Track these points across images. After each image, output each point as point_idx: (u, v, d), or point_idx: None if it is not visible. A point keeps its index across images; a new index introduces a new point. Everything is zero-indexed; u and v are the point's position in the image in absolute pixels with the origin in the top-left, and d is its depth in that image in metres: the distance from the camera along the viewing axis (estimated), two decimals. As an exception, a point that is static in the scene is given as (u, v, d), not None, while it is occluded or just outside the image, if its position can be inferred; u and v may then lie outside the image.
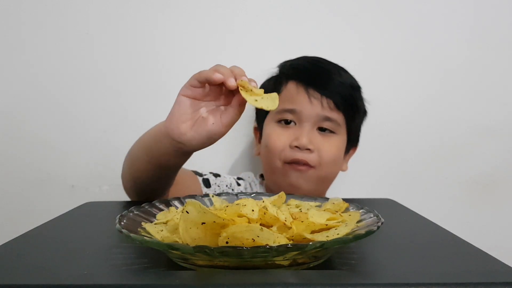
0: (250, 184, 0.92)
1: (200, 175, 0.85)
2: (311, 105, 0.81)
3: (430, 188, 1.02)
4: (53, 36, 0.97)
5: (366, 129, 0.94)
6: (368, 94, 0.91)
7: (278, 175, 0.83)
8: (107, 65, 0.98)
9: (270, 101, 0.53)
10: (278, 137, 0.83)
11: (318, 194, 0.84)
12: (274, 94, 0.54)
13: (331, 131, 0.83)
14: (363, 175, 1.01)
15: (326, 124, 0.82)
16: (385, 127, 1.00)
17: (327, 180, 0.86)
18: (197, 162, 0.99)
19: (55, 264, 0.42)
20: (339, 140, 0.84)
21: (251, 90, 0.53)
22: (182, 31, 0.98)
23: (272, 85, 0.89)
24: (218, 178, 0.87)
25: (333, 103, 0.82)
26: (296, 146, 0.80)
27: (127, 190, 0.74)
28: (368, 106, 0.91)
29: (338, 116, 0.83)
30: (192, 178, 0.83)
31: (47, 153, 0.99)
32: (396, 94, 1.01)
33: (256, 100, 0.53)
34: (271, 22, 0.99)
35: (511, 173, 1.02)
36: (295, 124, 0.83)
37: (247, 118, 0.97)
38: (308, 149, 0.80)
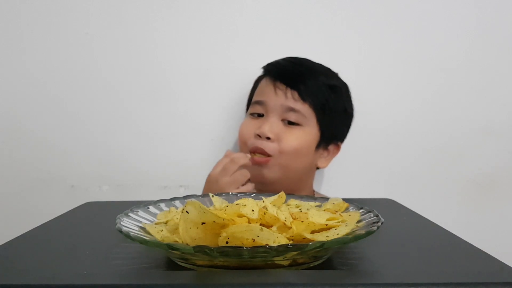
0: None
1: None
2: (276, 96, 0.85)
3: (430, 188, 1.02)
4: (53, 36, 0.97)
5: (367, 129, 0.94)
6: (369, 94, 0.91)
7: (248, 166, 0.86)
8: (108, 65, 0.98)
9: None
10: (246, 127, 0.88)
11: (292, 186, 0.86)
12: None
13: (298, 124, 0.84)
14: (363, 175, 1.01)
15: (291, 116, 0.84)
16: (385, 127, 1.00)
17: (292, 171, 0.86)
18: (196, 161, 0.99)
19: (55, 264, 0.42)
20: (305, 132, 0.85)
21: None
22: (183, 31, 0.98)
23: (253, 85, 0.93)
24: None
25: (298, 94, 0.84)
26: (258, 135, 0.84)
27: None
28: (368, 106, 0.91)
29: (303, 107, 0.84)
30: None
31: (47, 153, 0.99)
32: (396, 94, 1.01)
33: None
34: (272, 23, 0.99)
35: (511, 173, 1.02)
36: (263, 116, 0.87)
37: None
38: (269, 138, 0.83)
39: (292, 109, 0.84)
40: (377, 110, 0.96)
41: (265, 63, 0.91)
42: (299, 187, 0.89)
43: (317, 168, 0.93)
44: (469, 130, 1.01)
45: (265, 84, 0.88)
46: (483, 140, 1.01)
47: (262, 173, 0.84)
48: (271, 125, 0.84)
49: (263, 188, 0.86)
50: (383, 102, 0.99)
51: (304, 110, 0.84)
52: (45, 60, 0.98)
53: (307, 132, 0.85)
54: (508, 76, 1.01)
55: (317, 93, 0.85)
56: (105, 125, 0.99)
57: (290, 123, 0.84)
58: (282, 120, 0.85)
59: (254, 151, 0.84)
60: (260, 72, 0.92)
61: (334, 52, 0.96)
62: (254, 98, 0.89)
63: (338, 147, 0.92)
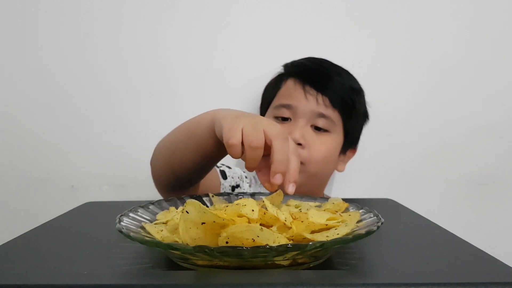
0: (254, 177, 0.92)
1: (217, 166, 0.85)
2: (306, 101, 0.82)
3: (430, 188, 1.02)
4: (53, 36, 0.97)
5: (366, 129, 0.93)
6: (368, 94, 0.91)
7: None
8: (108, 65, 0.98)
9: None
10: None
11: (311, 191, 0.85)
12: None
13: (326, 130, 0.83)
14: (363, 175, 1.01)
15: (320, 122, 0.83)
16: (385, 127, 1.00)
17: (317, 178, 0.85)
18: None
19: (55, 264, 0.42)
20: (333, 139, 0.84)
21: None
22: (184, 31, 0.98)
23: (273, 82, 0.90)
24: (230, 170, 0.87)
25: (329, 100, 0.82)
26: None
27: (160, 178, 0.70)
28: (368, 106, 0.91)
29: (333, 114, 0.83)
30: (213, 169, 0.84)
31: (47, 153, 0.99)
32: (396, 94, 1.01)
33: None
34: (271, 24, 0.99)
35: (511, 173, 1.02)
36: (291, 120, 0.84)
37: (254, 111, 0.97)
38: (300, 144, 0.81)
39: (322, 115, 0.82)
40: (377, 111, 0.96)
41: (265, 64, 0.91)
42: (317, 192, 0.88)
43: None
44: (469, 130, 1.01)
45: (293, 87, 0.85)
46: (483, 140, 1.01)
47: None
48: (302, 131, 0.81)
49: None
50: (382, 102, 0.99)
51: (334, 117, 0.83)
52: (45, 60, 0.98)
53: (334, 138, 0.84)
54: (507, 75, 1.01)
55: (346, 98, 0.84)
56: (105, 125, 0.99)
57: (317, 128, 0.83)
58: (311, 126, 0.83)
59: None
60: (260, 72, 0.91)
61: (332, 53, 0.95)
62: (280, 101, 0.85)
63: (354, 151, 0.92)
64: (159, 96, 0.99)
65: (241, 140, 0.50)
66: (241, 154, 0.50)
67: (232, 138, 0.50)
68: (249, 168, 0.51)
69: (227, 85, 0.99)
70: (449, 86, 1.01)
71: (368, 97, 0.91)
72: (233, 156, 0.50)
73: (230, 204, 0.47)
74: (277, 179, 0.48)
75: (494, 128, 1.01)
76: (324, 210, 0.49)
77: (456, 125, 1.01)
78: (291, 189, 0.48)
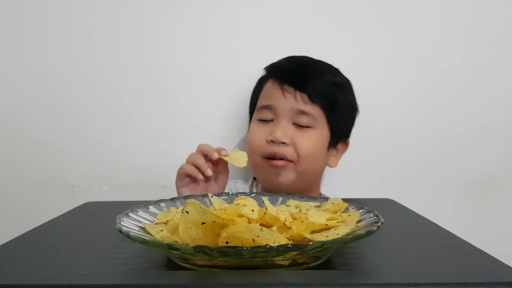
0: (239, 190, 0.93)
1: None
2: (285, 100, 0.83)
3: (430, 188, 1.02)
4: (53, 36, 0.97)
5: (366, 129, 0.94)
6: (368, 93, 0.91)
7: (260, 171, 0.86)
8: (108, 65, 0.98)
9: (238, 159, 0.70)
10: (256, 133, 0.85)
11: (304, 189, 0.85)
12: (243, 153, 0.70)
13: (309, 127, 0.83)
14: (363, 175, 1.01)
15: (302, 119, 0.83)
16: (385, 127, 1.00)
17: (308, 175, 0.85)
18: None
19: (55, 264, 0.42)
20: (318, 134, 0.84)
21: (229, 156, 0.73)
22: (184, 31, 0.98)
23: (256, 86, 0.91)
24: None
25: (307, 96, 0.82)
26: (272, 141, 0.82)
27: None
28: (368, 106, 0.91)
29: (313, 110, 0.83)
30: None
31: (47, 153, 0.99)
32: (396, 94, 1.00)
33: (232, 159, 0.71)
34: (273, 23, 0.99)
35: (511, 173, 1.02)
36: (273, 121, 0.84)
37: (244, 121, 0.97)
38: (284, 143, 0.81)
39: (303, 112, 0.82)
40: (377, 110, 0.96)
41: (265, 63, 0.91)
42: (309, 190, 0.88)
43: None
44: (469, 129, 1.01)
45: (272, 87, 0.86)
46: (483, 140, 1.01)
47: (278, 178, 0.83)
48: (284, 129, 0.82)
49: (271, 187, 0.85)
50: (383, 102, 0.99)
51: (315, 112, 0.83)
52: (45, 60, 0.98)
53: (319, 134, 0.84)
54: (507, 75, 1.01)
55: (326, 93, 0.84)
56: (105, 125, 0.99)
57: (301, 126, 0.83)
58: (293, 123, 0.83)
59: (272, 156, 0.82)
60: (260, 72, 0.91)
61: (332, 52, 0.95)
62: (261, 103, 0.86)
63: (346, 144, 0.91)
64: (159, 96, 0.99)
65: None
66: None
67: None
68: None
69: (227, 86, 0.99)
70: (449, 86, 1.01)
71: (368, 97, 0.91)
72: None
73: (230, 204, 0.47)
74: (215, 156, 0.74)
75: (494, 128, 1.01)
76: (324, 210, 0.49)
77: (456, 125, 1.01)
78: None
